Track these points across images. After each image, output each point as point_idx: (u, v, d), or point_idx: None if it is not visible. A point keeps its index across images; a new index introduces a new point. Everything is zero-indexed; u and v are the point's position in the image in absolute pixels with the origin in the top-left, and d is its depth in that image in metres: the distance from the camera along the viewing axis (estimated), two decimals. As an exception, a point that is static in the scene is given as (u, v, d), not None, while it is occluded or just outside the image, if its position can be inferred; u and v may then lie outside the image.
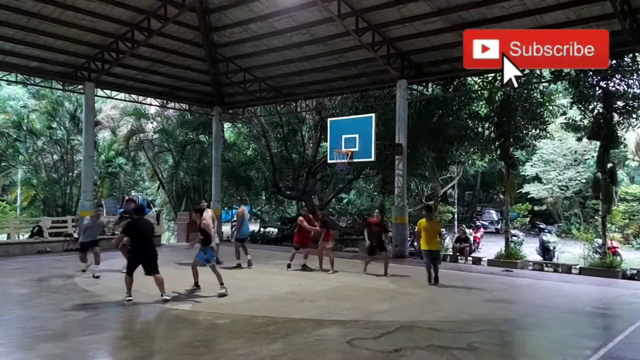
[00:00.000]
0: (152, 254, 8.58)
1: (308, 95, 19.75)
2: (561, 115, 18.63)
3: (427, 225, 10.23)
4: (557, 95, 18.71)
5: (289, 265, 12.23)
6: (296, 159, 24.48)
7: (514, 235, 16.87)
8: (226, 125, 26.38)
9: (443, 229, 14.64)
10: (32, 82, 17.82)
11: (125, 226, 8.77)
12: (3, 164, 22.50)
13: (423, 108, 17.10)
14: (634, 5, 11.41)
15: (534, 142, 16.43)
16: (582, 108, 13.88)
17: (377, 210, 13.07)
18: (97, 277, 10.92)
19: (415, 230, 11.68)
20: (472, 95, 16.97)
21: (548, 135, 16.63)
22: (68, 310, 7.68)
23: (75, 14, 14.22)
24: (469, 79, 16.92)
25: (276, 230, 24.79)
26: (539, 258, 15.55)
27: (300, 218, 12.51)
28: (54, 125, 22.23)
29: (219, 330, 6.71)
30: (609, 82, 13.32)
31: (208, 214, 13.83)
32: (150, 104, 25.41)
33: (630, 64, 12.96)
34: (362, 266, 11.96)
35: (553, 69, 14.34)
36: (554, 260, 15.10)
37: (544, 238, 16.56)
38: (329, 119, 16.32)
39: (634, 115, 13.24)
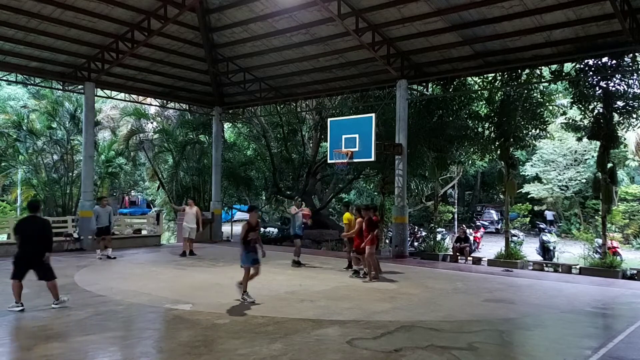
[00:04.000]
0: (35, 258, 7.55)
1: (308, 95, 19.75)
2: (561, 115, 18.66)
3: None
4: (557, 95, 18.75)
5: (364, 274, 11.13)
6: (296, 159, 24.50)
7: (514, 235, 16.89)
8: (226, 125, 26.39)
9: (443, 229, 14.65)
10: (32, 82, 17.80)
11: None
12: (3, 164, 22.47)
13: (423, 108, 17.11)
14: (634, 5, 11.40)
15: (534, 142, 16.44)
16: (582, 108, 13.87)
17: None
18: (114, 257, 13.83)
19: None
20: (472, 95, 16.97)
21: (548, 135, 16.64)
22: (68, 310, 7.68)
23: (75, 14, 14.21)
24: (469, 79, 16.93)
25: (276, 230, 24.82)
26: (539, 258, 15.56)
27: (361, 220, 11.06)
28: (54, 125, 22.21)
29: (219, 330, 6.71)
30: (609, 82, 13.32)
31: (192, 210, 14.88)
32: (150, 104, 25.45)
33: (630, 64, 12.96)
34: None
35: (553, 69, 14.37)
36: (554, 260, 15.11)
37: (544, 238, 16.58)
38: (329, 119, 16.30)
39: (634, 115, 13.23)
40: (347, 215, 12.47)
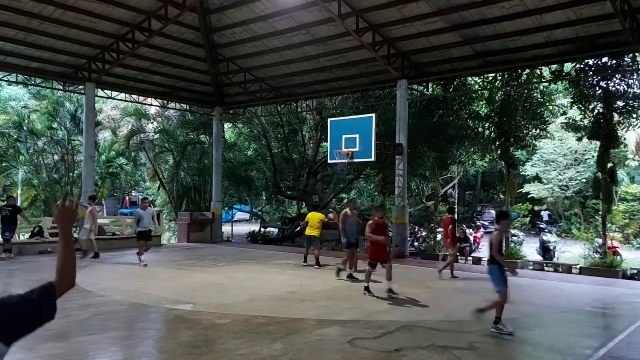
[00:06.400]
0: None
1: (308, 95, 19.77)
2: (561, 115, 18.69)
3: (312, 217, 13.02)
4: (557, 95, 18.77)
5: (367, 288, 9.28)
6: (297, 159, 24.51)
7: (514, 235, 16.89)
8: (227, 125, 26.42)
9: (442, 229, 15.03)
10: (33, 82, 17.84)
11: None
12: (4, 164, 22.51)
13: (423, 108, 17.12)
14: (634, 5, 11.41)
15: (534, 141, 16.45)
16: (582, 108, 13.89)
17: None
18: (145, 265, 12.62)
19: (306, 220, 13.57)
20: (472, 95, 16.98)
21: (548, 135, 16.65)
22: (69, 311, 7.68)
23: (76, 14, 14.23)
24: (469, 79, 16.95)
25: (276, 230, 24.83)
26: (539, 258, 15.56)
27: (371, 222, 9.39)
28: (55, 125, 22.25)
29: (220, 330, 6.72)
30: (609, 82, 13.33)
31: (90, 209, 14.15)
32: (151, 104, 25.49)
33: (630, 64, 12.97)
34: (363, 265, 11.94)
35: (553, 69, 14.38)
36: (554, 260, 15.11)
37: (544, 238, 16.56)
38: (329, 119, 16.31)
39: (634, 115, 13.25)
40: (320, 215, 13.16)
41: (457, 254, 15.31)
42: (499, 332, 6.57)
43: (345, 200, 25.76)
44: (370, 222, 9.37)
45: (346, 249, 11.24)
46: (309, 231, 13.05)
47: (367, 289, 9.20)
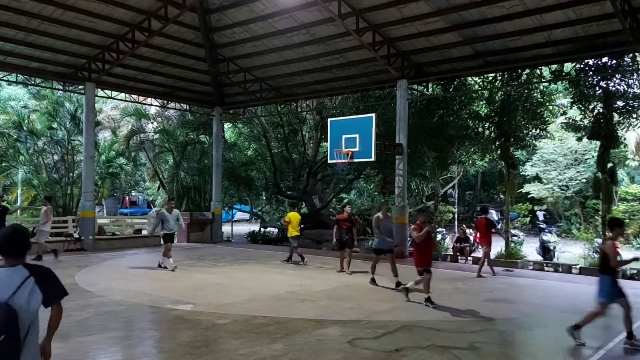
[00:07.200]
0: None
1: (308, 95, 19.76)
2: (561, 115, 18.69)
3: (294, 216, 13.54)
4: (557, 95, 18.78)
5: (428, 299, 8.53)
6: (297, 159, 24.50)
7: (514, 235, 16.90)
8: (227, 125, 26.42)
9: (443, 229, 14.97)
10: (33, 82, 17.83)
11: None
12: (4, 164, 22.48)
13: (423, 108, 17.12)
14: (634, 5, 11.41)
15: (534, 141, 16.46)
16: (582, 108, 13.90)
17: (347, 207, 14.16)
18: (171, 269, 11.94)
19: (285, 220, 14.07)
20: (472, 95, 16.98)
21: (548, 135, 16.65)
22: (69, 311, 7.67)
23: (76, 14, 14.23)
24: (469, 79, 16.94)
25: (276, 230, 24.83)
26: (539, 258, 15.56)
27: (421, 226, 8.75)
28: (55, 125, 22.22)
29: (220, 331, 6.72)
30: (609, 82, 13.34)
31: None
32: (151, 104, 25.48)
33: (630, 64, 12.97)
34: (363, 266, 11.94)
35: (553, 69, 14.39)
36: (554, 260, 15.12)
37: (544, 238, 16.57)
38: (329, 119, 16.31)
39: (634, 115, 13.27)
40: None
41: (457, 254, 15.39)
42: (634, 349, 6.07)
43: (345, 201, 25.84)
44: (413, 226, 9.00)
45: (374, 253, 10.69)
46: (293, 232, 13.50)
47: (429, 300, 8.40)
